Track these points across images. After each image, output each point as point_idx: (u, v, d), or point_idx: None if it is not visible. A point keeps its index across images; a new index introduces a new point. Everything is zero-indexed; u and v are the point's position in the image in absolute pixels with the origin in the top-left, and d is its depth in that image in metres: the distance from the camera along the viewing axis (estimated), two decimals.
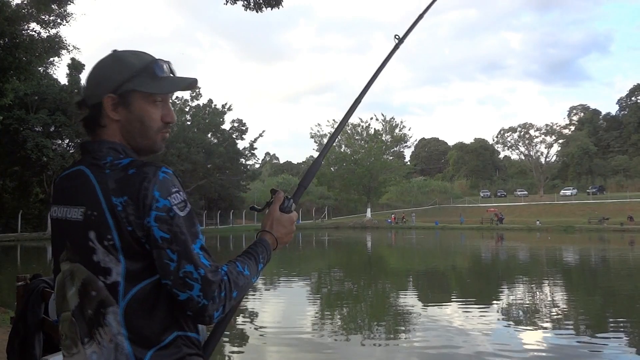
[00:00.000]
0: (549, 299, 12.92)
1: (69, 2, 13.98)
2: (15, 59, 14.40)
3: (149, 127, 1.33)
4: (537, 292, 14.00)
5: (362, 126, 65.23)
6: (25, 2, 14.81)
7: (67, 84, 41.45)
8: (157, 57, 1.36)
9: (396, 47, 1.99)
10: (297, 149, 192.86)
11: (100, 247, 1.20)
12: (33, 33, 15.32)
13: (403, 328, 9.59)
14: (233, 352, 7.83)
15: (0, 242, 33.06)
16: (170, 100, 1.40)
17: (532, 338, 8.69)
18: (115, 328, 1.19)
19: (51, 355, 3.62)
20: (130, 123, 1.31)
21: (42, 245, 32.40)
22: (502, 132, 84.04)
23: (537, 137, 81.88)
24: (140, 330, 1.19)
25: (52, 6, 14.28)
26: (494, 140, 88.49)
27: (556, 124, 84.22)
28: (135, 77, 1.29)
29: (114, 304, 1.19)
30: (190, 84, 1.37)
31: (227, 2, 10.49)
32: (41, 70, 18.89)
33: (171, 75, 1.36)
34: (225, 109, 57.50)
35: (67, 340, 1.30)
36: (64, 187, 1.33)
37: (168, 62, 1.36)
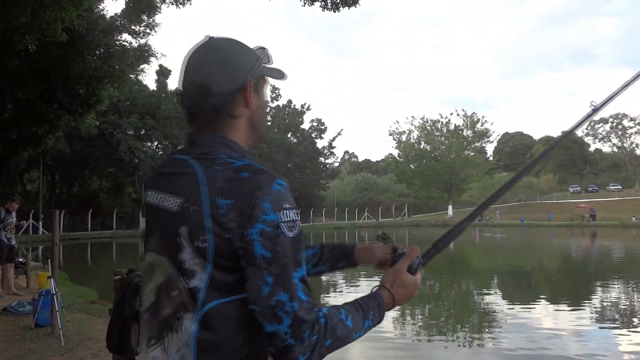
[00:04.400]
0: None
1: (157, 12, 14.70)
2: (110, 68, 15.37)
3: (266, 113, 1.29)
4: (634, 293, 13.15)
5: (442, 122, 63.93)
6: (117, 14, 15.79)
7: (155, 89, 43.72)
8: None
9: (589, 115, 1.59)
10: (376, 147, 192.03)
11: (189, 246, 1.07)
12: (125, 43, 16.31)
13: (488, 329, 9.31)
14: None
15: (97, 239, 35.43)
16: None
17: (628, 341, 8.18)
18: (187, 338, 1.05)
19: None
20: (259, 110, 1.23)
21: (135, 242, 34.32)
22: (592, 123, 79.41)
23: (631, 127, 76.84)
24: (210, 349, 1.05)
25: (142, 17, 15.10)
26: (583, 132, 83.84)
27: None
28: (261, 62, 1.23)
29: (191, 310, 1.06)
30: (285, 75, 1.31)
31: (305, 3, 10.63)
32: (132, 78, 20.01)
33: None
34: (304, 109, 58.36)
35: (140, 335, 1.21)
36: (163, 174, 1.21)
37: None
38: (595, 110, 1.59)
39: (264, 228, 1.03)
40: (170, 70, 44.46)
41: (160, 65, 42.67)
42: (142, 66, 18.16)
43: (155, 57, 17.71)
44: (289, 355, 1.03)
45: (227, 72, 1.17)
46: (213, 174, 1.08)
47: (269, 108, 1.26)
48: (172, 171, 1.18)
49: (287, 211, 1.06)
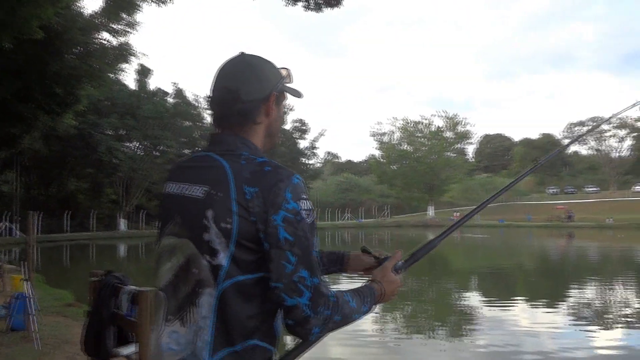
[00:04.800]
0: (621, 299, 12.29)
1: (137, 10, 14.54)
2: (89, 67, 15.16)
3: (281, 126, 1.46)
4: (609, 293, 13.35)
5: (424, 123, 64.36)
6: (96, 12, 15.57)
7: (135, 89, 43.24)
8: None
9: (532, 169, 2.22)
10: (358, 148, 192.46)
11: (215, 227, 1.19)
12: (104, 42, 16.09)
13: (467, 328, 9.39)
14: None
15: (75, 241, 34.92)
16: None
17: (602, 340, 8.32)
18: (206, 311, 1.18)
19: (123, 347, 3.79)
20: (276, 121, 1.40)
21: (114, 243, 33.96)
22: (570, 126, 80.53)
23: (608, 130, 77.98)
24: (227, 322, 1.18)
25: (122, 15, 14.92)
26: (561, 135, 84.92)
27: (629, 117, 79.76)
28: (284, 80, 1.40)
29: (212, 285, 1.18)
30: (302, 94, 1.47)
31: (287, 3, 10.60)
32: (112, 77, 19.78)
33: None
34: (287, 110, 58.16)
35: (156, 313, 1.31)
36: (186, 167, 1.35)
37: None
38: (536, 166, 2.18)
39: (286, 215, 1.17)
40: (151, 70, 43.99)
41: (141, 65, 42.03)
42: (121, 65, 17.95)
43: (136, 56, 17.54)
44: (306, 326, 1.18)
45: (256, 84, 1.32)
46: (239, 167, 1.23)
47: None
48: (196, 164, 1.33)
49: (305, 201, 1.21)
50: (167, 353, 1.23)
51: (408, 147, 64.61)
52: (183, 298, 1.22)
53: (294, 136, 58.78)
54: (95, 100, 34.76)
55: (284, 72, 1.41)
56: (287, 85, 1.42)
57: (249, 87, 1.32)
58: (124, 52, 16.68)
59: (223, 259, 1.18)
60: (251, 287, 1.19)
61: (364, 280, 1.51)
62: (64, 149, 39.04)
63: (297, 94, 1.45)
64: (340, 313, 1.23)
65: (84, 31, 15.03)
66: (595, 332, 8.95)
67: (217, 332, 1.17)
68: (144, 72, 43.34)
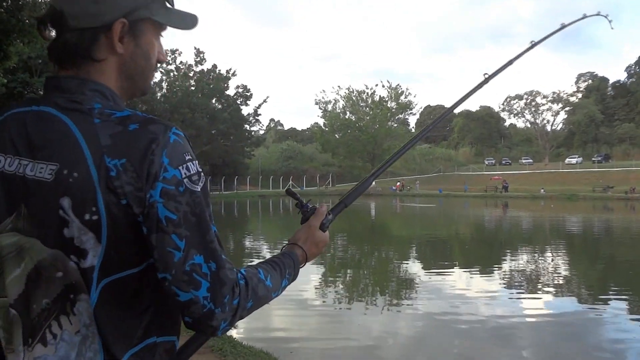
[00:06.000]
0: (551, 266, 13.02)
1: None
2: (19, 22, 14.25)
3: (151, 66, 1.05)
4: (540, 260, 14.10)
5: (367, 93, 64.80)
6: None
7: None
8: None
9: (480, 84, 1.97)
10: (302, 116, 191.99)
11: (77, 220, 0.89)
12: None
13: (406, 295, 9.69)
14: None
15: None
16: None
17: (533, 304, 8.82)
18: (87, 318, 0.92)
19: None
20: (134, 59, 1.01)
21: None
22: (508, 99, 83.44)
23: (543, 104, 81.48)
24: (114, 327, 0.93)
25: None
26: (500, 107, 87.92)
27: (563, 91, 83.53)
28: (150, 3, 1.00)
29: (85, 290, 0.91)
30: (195, 22, 1.10)
31: None
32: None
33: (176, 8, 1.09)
34: (230, 75, 57.00)
35: (3, 332, 0.98)
36: (20, 133, 0.96)
37: None
38: (487, 80, 1.96)
39: (165, 187, 0.88)
40: None
41: None
42: None
43: None
44: (209, 322, 0.92)
45: (91, 6, 0.95)
46: (92, 130, 0.91)
47: (156, 59, 1.05)
48: (33, 130, 0.95)
49: (189, 163, 0.92)
50: None
51: (351, 116, 65.03)
52: (45, 312, 0.93)
53: (238, 102, 57.85)
54: (26, 58, 32.80)
55: None
56: (161, 10, 1.03)
57: (79, 9, 0.95)
58: None
59: (94, 257, 0.90)
60: (137, 282, 0.94)
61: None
62: None
63: (180, 22, 1.07)
64: (253, 297, 0.98)
65: None
66: (527, 297, 9.48)
67: (107, 338, 0.92)
68: None
